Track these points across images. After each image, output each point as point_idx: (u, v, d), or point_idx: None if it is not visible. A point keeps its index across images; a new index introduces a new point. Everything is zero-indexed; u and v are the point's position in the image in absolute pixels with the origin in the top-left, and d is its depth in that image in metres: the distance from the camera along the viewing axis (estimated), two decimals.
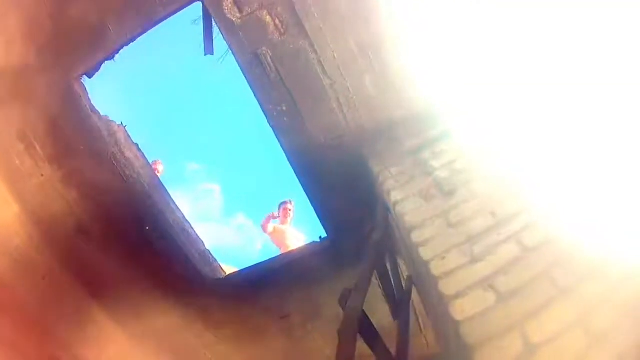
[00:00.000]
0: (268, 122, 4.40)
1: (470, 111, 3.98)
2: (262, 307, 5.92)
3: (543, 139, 3.33)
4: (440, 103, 4.16)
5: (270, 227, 8.61)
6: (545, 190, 2.92)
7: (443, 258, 2.80)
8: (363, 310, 2.94)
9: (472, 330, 2.27)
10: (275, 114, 4.33)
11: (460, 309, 2.41)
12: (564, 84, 3.50)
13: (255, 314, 6.02)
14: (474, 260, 2.67)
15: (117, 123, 5.21)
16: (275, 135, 4.46)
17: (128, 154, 5.24)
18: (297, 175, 4.67)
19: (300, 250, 5.64)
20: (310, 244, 5.54)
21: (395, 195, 3.57)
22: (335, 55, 4.10)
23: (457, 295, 2.50)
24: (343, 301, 3.05)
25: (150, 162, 6.36)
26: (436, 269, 2.75)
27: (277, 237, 8.56)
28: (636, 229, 2.36)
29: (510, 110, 3.71)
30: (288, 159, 4.58)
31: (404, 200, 3.47)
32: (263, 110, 4.36)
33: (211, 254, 6.07)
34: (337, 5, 4.01)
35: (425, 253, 2.92)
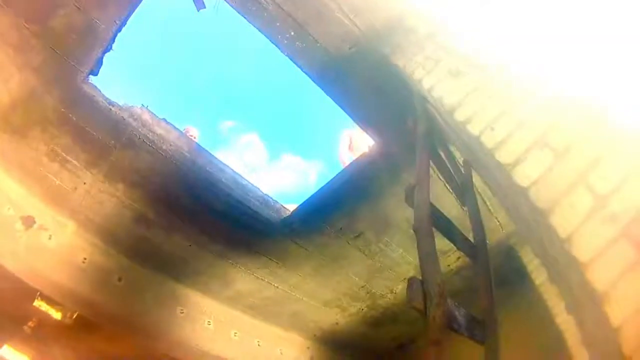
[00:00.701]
0: (282, 52, 4.34)
1: None
2: (333, 234, 6.02)
3: None
4: None
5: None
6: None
7: (492, 129, 2.72)
8: (431, 203, 2.95)
9: (540, 193, 2.23)
10: (286, 42, 4.26)
11: (523, 175, 2.36)
12: None
13: (329, 241, 6.13)
14: (522, 123, 2.58)
15: (139, 106, 5.24)
16: (294, 62, 4.40)
17: (159, 130, 5.28)
18: (328, 94, 4.62)
19: (353, 165, 5.63)
20: (361, 156, 5.53)
21: (427, 82, 3.51)
22: None
23: (517, 162, 2.44)
24: (410, 199, 3.07)
25: (184, 131, 6.43)
26: (489, 141, 2.70)
27: None
28: None
29: None
30: (314, 81, 4.53)
31: (437, 84, 3.41)
32: (274, 43, 4.29)
33: (271, 198, 6.15)
34: None
35: (473, 129, 2.85)
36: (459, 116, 3.02)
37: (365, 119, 4.93)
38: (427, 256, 2.56)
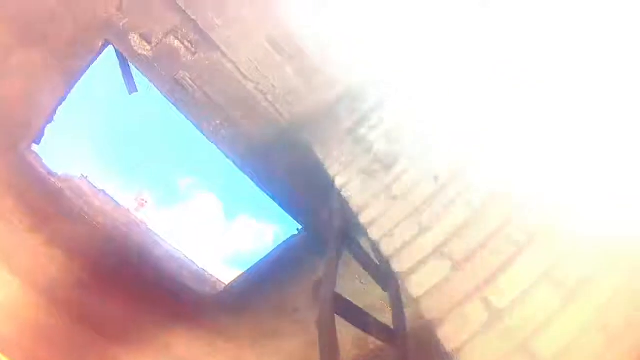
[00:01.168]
0: (208, 139, 4.42)
1: (401, 76, 3.95)
2: (270, 308, 6.00)
3: (476, 93, 3.26)
4: (370, 74, 4.14)
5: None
6: (487, 145, 2.82)
7: (392, 235, 2.75)
8: (340, 296, 2.99)
9: (432, 304, 2.24)
10: (212, 130, 4.35)
11: (417, 284, 2.38)
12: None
13: (265, 316, 6.10)
14: (423, 230, 2.61)
15: (78, 176, 5.30)
16: (220, 150, 4.48)
17: (96, 202, 5.32)
18: (252, 180, 4.70)
19: (283, 244, 5.68)
20: (291, 237, 5.58)
21: (339, 180, 3.55)
22: (250, 57, 4.08)
23: (412, 271, 2.46)
24: (315, 294, 3.10)
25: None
26: (387, 247, 2.71)
27: None
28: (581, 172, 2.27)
29: (441, 70, 3.66)
30: (238, 167, 4.60)
31: (348, 183, 3.45)
32: (200, 130, 4.38)
33: (206, 271, 6.14)
34: (238, 9, 3.98)
35: (373, 233, 2.88)
36: (364, 218, 3.05)
37: (289, 205, 4.99)
38: (327, 349, 2.58)
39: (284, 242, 5.79)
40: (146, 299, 5.94)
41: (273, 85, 4.16)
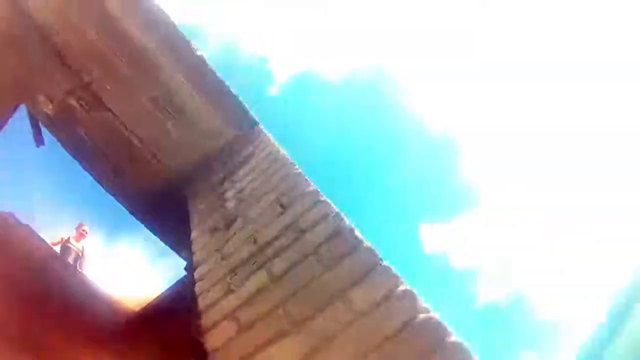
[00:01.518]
0: (102, 187, 4.85)
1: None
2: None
3: None
4: (245, 129, 4.55)
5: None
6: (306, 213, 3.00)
7: (209, 291, 3.00)
8: None
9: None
10: (105, 179, 4.79)
11: (212, 339, 2.64)
12: None
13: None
14: (229, 291, 2.86)
15: (6, 211, 5.69)
16: (113, 196, 4.91)
17: (21, 234, 5.69)
18: (143, 224, 5.12)
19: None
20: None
21: (193, 234, 3.79)
22: (134, 115, 4.51)
23: (212, 326, 2.71)
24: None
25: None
26: (202, 301, 2.96)
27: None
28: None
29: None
30: (131, 214, 5.02)
31: (197, 238, 3.69)
32: (95, 179, 4.81)
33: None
34: (120, 71, 4.40)
35: (198, 288, 3.12)
36: (197, 274, 3.30)
37: (177, 246, 5.40)
38: None
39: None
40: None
41: (156, 140, 4.59)
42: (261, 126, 4.55)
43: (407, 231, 36.45)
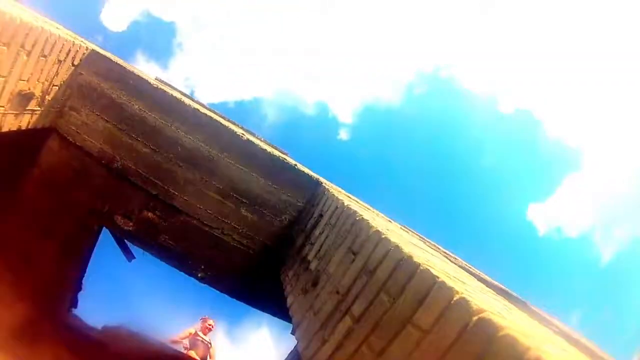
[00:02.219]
0: (199, 282, 5.22)
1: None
2: None
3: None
4: (311, 191, 4.81)
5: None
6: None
7: (307, 348, 3.23)
8: None
9: None
10: (199, 275, 5.15)
11: None
12: None
13: None
14: (324, 342, 3.05)
15: (119, 325, 6.26)
16: (208, 285, 5.27)
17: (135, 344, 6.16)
18: (247, 304, 5.42)
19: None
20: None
21: (289, 300, 4.03)
22: (208, 210, 4.89)
23: None
24: None
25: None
26: (304, 358, 3.20)
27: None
28: None
29: None
30: (230, 296, 5.35)
31: (292, 303, 3.93)
32: (190, 276, 5.19)
33: None
34: (180, 175, 4.82)
35: (300, 347, 3.36)
36: (297, 334, 3.55)
37: (279, 314, 5.66)
38: None
39: None
40: None
41: (236, 226, 4.92)
42: (325, 185, 4.76)
43: (516, 215, 35.69)
